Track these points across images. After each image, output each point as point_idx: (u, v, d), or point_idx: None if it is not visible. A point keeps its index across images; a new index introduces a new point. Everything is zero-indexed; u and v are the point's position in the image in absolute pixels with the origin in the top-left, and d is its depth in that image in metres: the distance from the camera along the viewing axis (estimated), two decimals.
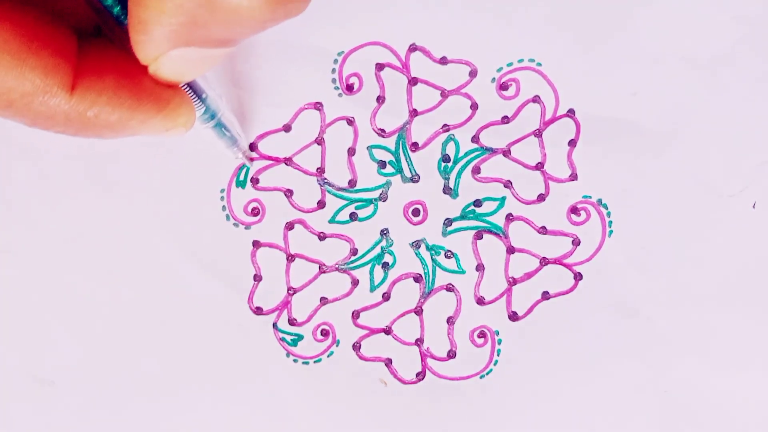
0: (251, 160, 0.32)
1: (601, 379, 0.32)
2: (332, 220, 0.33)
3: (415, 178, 0.33)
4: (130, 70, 0.23)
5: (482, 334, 0.33)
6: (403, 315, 0.33)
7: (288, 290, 0.33)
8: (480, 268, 0.33)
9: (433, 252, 0.33)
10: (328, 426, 0.32)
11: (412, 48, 0.32)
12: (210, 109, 0.28)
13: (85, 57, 0.22)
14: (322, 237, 0.33)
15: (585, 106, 0.32)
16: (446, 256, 0.33)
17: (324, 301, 0.33)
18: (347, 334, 0.33)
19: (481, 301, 0.33)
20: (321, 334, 0.33)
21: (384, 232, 0.33)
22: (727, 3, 0.32)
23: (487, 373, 0.32)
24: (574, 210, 0.32)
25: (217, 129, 0.29)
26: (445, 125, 0.32)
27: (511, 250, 0.33)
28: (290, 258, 0.33)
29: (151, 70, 0.23)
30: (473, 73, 0.32)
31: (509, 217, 0.33)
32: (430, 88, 0.32)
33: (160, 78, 0.23)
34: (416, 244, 0.33)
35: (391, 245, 0.33)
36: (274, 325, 0.33)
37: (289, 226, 0.33)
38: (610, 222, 0.32)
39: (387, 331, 0.33)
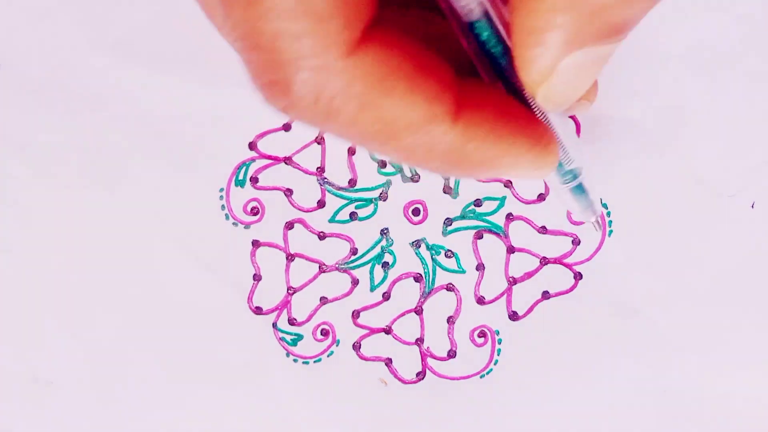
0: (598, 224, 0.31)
1: (601, 378, 0.32)
2: (332, 220, 0.33)
3: (415, 178, 0.33)
4: (505, 105, 0.22)
5: (482, 334, 0.33)
6: (403, 315, 0.33)
7: (288, 290, 0.33)
8: (480, 267, 0.33)
9: (433, 251, 0.33)
10: (328, 426, 0.32)
11: None
12: (571, 167, 0.27)
13: (462, 89, 0.21)
14: (321, 236, 0.33)
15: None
16: (446, 256, 0.33)
17: (324, 300, 0.33)
18: (347, 334, 0.33)
19: (481, 300, 0.33)
20: (321, 334, 0.33)
21: (384, 232, 0.33)
22: (728, 2, 0.32)
23: (487, 373, 0.32)
24: (566, 207, 0.32)
25: (576, 190, 0.28)
26: None
27: (511, 249, 0.33)
28: (290, 257, 0.33)
29: (541, 95, 0.21)
30: None
31: (509, 217, 0.32)
32: None
33: (550, 103, 0.22)
34: (416, 244, 0.33)
35: (391, 245, 0.33)
36: (274, 325, 0.33)
37: (289, 225, 0.33)
38: (610, 222, 0.32)
39: (387, 330, 0.33)
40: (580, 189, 0.28)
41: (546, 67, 0.20)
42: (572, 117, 0.32)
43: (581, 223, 0.32)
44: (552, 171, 0.24)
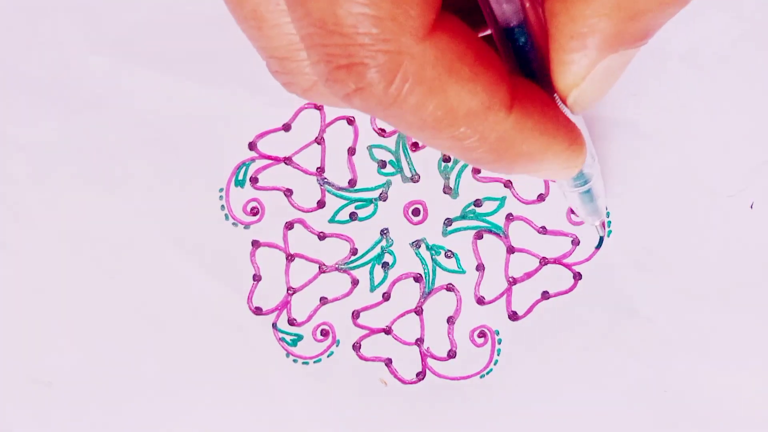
0: (603, 228, 0.32)
1: (601, 378, 0.32)
2: (332, 220, 0.33)
3: (415, 178, 0.33)
4: (548, 103, 0.22)
5: (482, 334, 0.33)
6: (403, 315, 0.33)
7: (288, 290, 0.33)
8: (480, 267, 0.33)
9: (433, 252, 0.33)
10: (328, 426, 0.32)
11: None
12: (585, 173, 0.28)
13: (514, 83, 0.21)
14: (321, 237, 0.33)
15: None
16: (446, 256, 0.33)
17: (324, 301, 0.33)
18: (347, 334, 0.33)
19: (481, 300, 0.33)
20: (321, 334, 0.33)
21: (384, 232, 0.33)
22: (728, 2, 0.32)
23: (487, 373, 0.32)
24: (574, 210, 0.32)
25: (585, 195, 0.29)
26: None
27: (511, 249, 0.33)
28: (290, 258, 0.33)
29: (572, 97, 0.22)
30: None
31: (509, 217, 0.33)
32: None
33: (578, 105, 0.22)
34: (416, 244, 0.33)
35: (391, 245, 0.33)
36: (274, 325, 0.32)
37: (289, 225, 0.33)
38: (609, 222, 0.32)
39: (387, 331, 0.33)
40: (588, 193, 0.29)
41: (583, 70, 0.21)
42: None
43: (581, 223, 0.32)
44: (576, 172, 0.24)
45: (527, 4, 0.21)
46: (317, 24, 0.19)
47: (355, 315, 0.33)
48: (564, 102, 0.22)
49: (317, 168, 0.33)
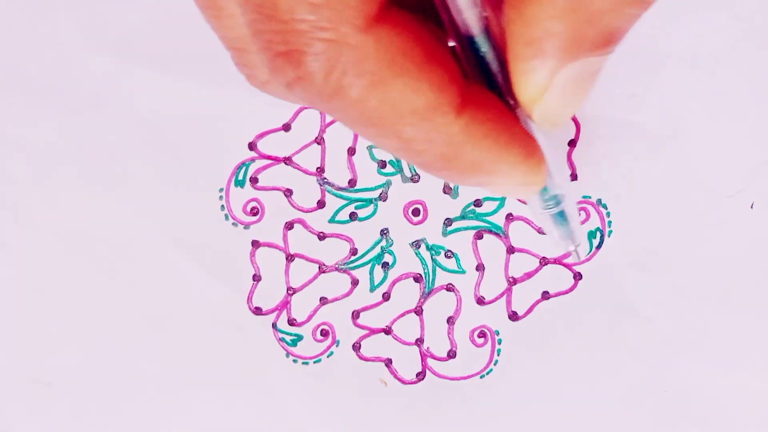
0: (579, 257, 0.31)
1: (601, 378, 0.32)
2: (332, 220, 0.33)
3: (415, 178, 0.33)
4: (505, 113, 0.21)
5: (482, 334, 0.32)
6: (403, 315, 0.33)
7: (287, 290, 0.33)
8: (480, 267, 0.33)
9: (433, 252, 0.33)
10: (328, 426, 0.32)
11: None
12: (555, 192, 0.27)
13: (467, 87, 0.21)
14: (321, 237, 0.33)
15: (585, 106, 0.32)
16: (446, 256, 0.33)
17: (324, 301, 0.33)
18: (347, 334, 0.33)
19: (481, 301, 0.33)
20: (321, 334, 0.33)
21: (384, 232, 0.33)
22: (727, 2, 0.32)
23: (487, 373, 0.32)
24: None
25: (557, 217, 0.29)
26: None
27: (511, 249, 0.33)
28: (290, 258, 0.33)
29: (537, 112, 0.21)
30: None
31: (509, 217, 0.32)
32: None
33: (545, 121, 0.22)
34: (416, 244, 0.33)
35: (391, 245, 0.33)
36: (274, 326, 0.32)
37: (289, 225, 0.33)
38: (610, 222, 0.32)
39: (387, 331, 0.33)
40: (561, 216, 0.29)
41: (542, 80, 0.20)
42: (573, 118, 0.32)
43: (581, 223, 0.32)
44: (537, 190, 0.24)
45: (489, 13, 0.21)
46: (256, 9, 0.18)
47: (355, 315, 0.33)
48: (531, 117, 0.22)
49: (317, 168, 0.33)
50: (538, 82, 0.20)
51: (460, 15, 0.21)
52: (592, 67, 0.21)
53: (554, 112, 0.22)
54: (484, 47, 0.21)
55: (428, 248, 0.33)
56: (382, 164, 0.33)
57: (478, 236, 0.33)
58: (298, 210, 0.33)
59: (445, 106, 0.20)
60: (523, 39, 0.20)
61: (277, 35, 0.19)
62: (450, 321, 0.33)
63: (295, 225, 0.33)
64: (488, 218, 0.33)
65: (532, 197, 0.27)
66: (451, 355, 0.33)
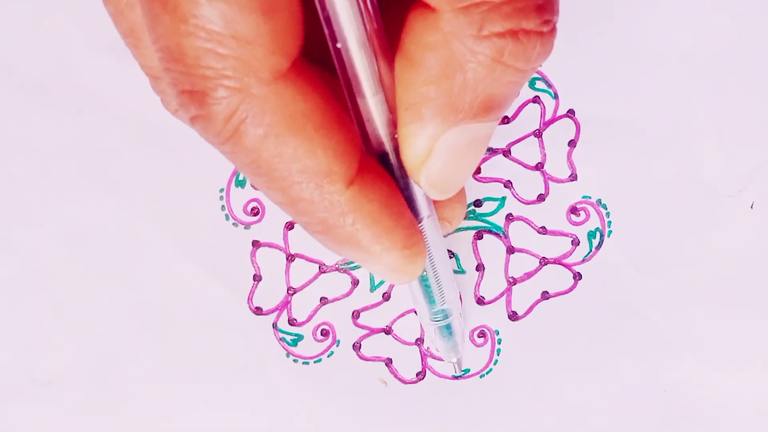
0: (460, 369, 0.32)
1: (601, 378, 0.32)
2: None
3: None
4: (395, 198, 0.22)
5: (482, 334, 0.33)
6: (403, 315, 0.33)
7: (288, 290, 0.33)
8: (480, 268, 0.33)
9: None
10: (328, 426, 0.32)
11: None
12: (444, 307, 0.28)
13: (364, 162, 0.21)
14: None
15: (585, 106, 0.32)
16: None
17: (324, 301, 0.33)
18: (347, 334, 0.33)
19: (481, 301, 0.33)
20: (321, 334, 0.33)
21: None
22: (727, 2, 0.32)
23: (487, 373, 0.32)
24: (573, 210, 0.32)
25: (443, 330, 0.29)
26: None
27: (511, 250, 0.33)
28: (290, 258, 0.33)
29: (423, 178, 0.21)
30: None
31: (509, 217, 0.33)
32: None
33: (432, 187, 0.22)
34: None
35: None
36: (274, 325, 0.33)
37: (289, 225, 0.33)
38: (610, 222, 0.32)
39: (387, 330, 0.33)
40: (448, 329, 0.29)
41: (423, 146, 0.20)
42: (572, 118, 0.32)
43: (581, 223, 0.32)
44: (408, 281, 0.24)
45: (385, 76, 0.20)
46: (164, 50, 0.19)
47: (356, 315, 0.33)
48: (418, 183, 0.22)
49: None
50: (419, 147, 0.20)
51: (354, 76, 0.20)
52: (477, 133, 0.21)
53: (441, 178, 0.21)
54: (378, 109, 0.21)
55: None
56: None
57: (478, 236, 0.33)
58: None
59: (335, 174, 0.20)
60: (403, 103, 0.20)
61: (183, 76, 0.19)
62: None
63: (296, 225, 0.33)
64: (488, 218, 0.33)
65: (421, 308, 0.28)
66: None
